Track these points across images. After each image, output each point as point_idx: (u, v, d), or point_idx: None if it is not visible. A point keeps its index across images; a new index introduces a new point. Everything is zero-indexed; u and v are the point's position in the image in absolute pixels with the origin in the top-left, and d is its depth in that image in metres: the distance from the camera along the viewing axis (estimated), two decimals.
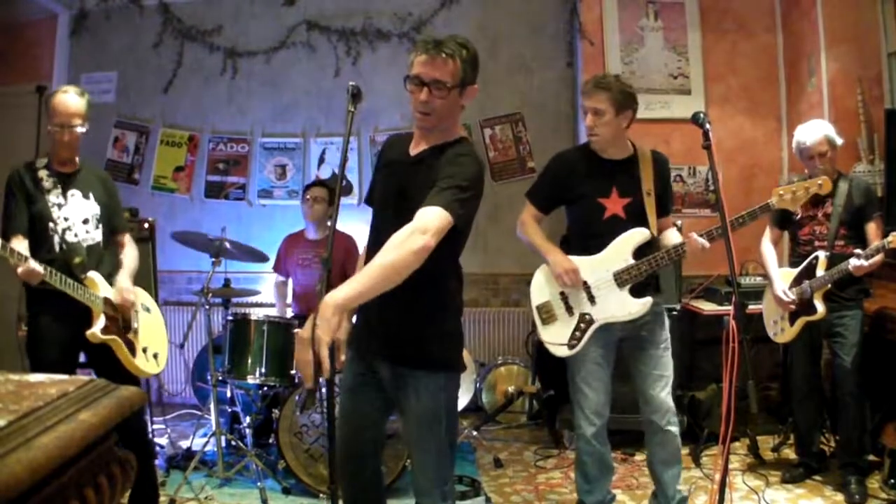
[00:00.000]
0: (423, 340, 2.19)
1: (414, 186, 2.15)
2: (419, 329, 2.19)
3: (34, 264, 2.69)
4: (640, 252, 2.90)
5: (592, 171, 2.95)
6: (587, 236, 2.98)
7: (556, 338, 2.99)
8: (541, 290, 3.04)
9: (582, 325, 2.94)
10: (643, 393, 2.98)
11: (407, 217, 2.04)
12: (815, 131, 3.48)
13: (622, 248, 2.90)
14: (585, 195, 2.96)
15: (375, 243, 2.13)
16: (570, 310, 2.97)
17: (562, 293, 2.98)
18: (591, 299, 2.94)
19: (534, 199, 3.09)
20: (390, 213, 2.20)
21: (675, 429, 2.97)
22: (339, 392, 2.37)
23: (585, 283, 2.94)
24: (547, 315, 3.02)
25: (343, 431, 2.29)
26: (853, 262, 3.23)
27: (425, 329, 2.19)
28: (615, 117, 2.85)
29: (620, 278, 2.89)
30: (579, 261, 2.94)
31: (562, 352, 2.99)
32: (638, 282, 2.90)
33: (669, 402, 2.96)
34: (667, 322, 3.03)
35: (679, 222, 3.90)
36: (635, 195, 2.91)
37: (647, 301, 2.88)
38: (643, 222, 2.90)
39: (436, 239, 1.98)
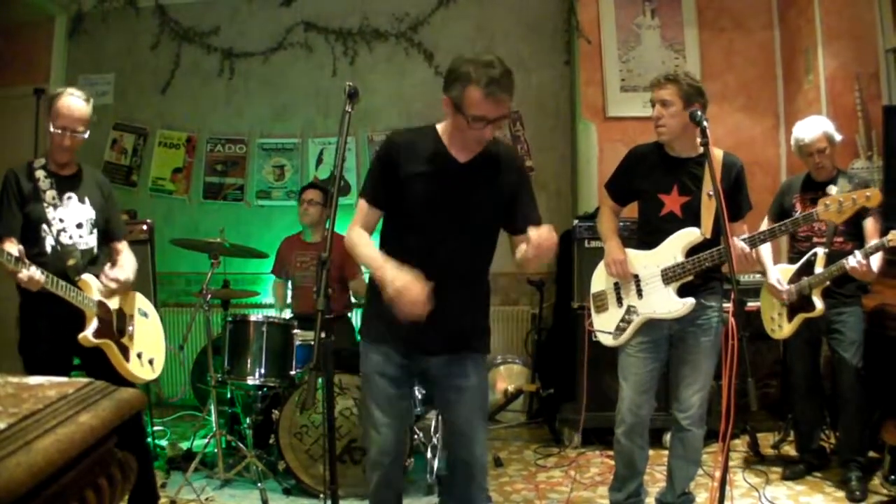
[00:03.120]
0: (482, 327, 2.49)
1: (474, 192, 2.33)
2: (481, 318, 2.49)
3: (36, 272, 2.66)
4: (694, 252, 2.87)
5: (657, 166, 2.95)
6: (646, 231, 3.01)
7: (604, 326, 3.04)
8: (599, 278, 3.11)
9: (627, 316, 2.97)
10: (675, 391, 2.97)
11: (464, 221, 2.31)
12: (813, 128, 3.47)
13: (674, 246, 2.89)
14: (647, 189, 2.98)
15: (428, 245, 2.29)
16: (619, 300, 3.02)
17: (616, 284, 3.03)
18: (639, 293, 2.96)
19: (608, 189, 3.16)
20: (447, 217, 2.31)
21: (698, 431, 2.94)
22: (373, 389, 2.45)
23: (636, 276, 2.96)
24: (600, 303, 3.08)
25: (391, 424, 2.38)
26: (850, 261, 3.21)
27: (485, 317, 2.51)
28: (682, 110, 2.81)
29: (666, 275, 2.89)
30: (635, 254, 2.98)
31: (607, 340, 3.04)
32: (684, 280, 2.87)
33: (700, 407, 2.91)
34: (719, 328, 2.91)
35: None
36: (695, 195, 2.88)
37: (688, 302, 2.85)
38: (698, 223, 2.87)
39: None
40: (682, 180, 2.89)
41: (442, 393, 2.44)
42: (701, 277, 2.88)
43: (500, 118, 2.28)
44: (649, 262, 2.94)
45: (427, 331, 2.23)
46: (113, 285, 2.99)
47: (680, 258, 2.87)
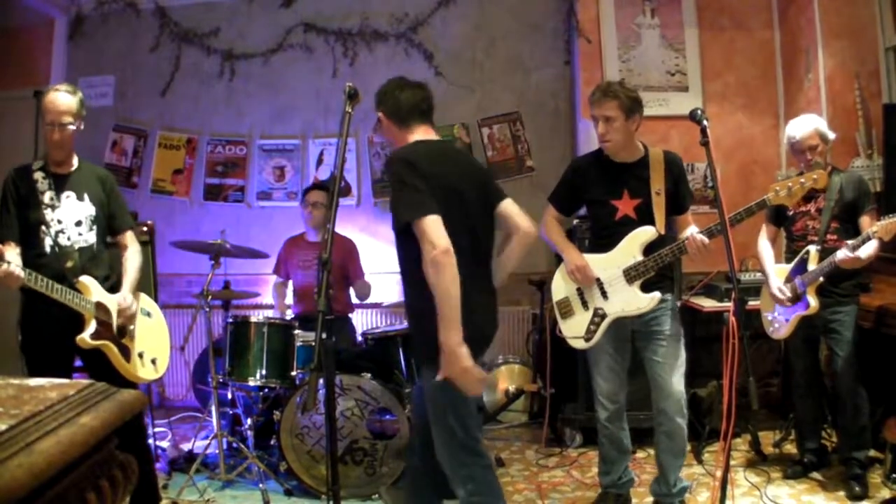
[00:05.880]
0: (423, 336, 2.37)
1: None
2: (419, 326, 2.43)
3: (13, 268, 2.64)
4: (650, 249, 3.03)
5: (605, 175, 3.11)
6: (602, 235, 3.16)
7: (574, 331, 3.17)
8: (559, 286, 3.24)
9: (596, 318, 3.11)
10: (654, 380, 3.09)
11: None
12: (805, 125, 3.46)
13: (630, 246, 3.05)
14: (598, 198, 3.13)
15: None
16: (585, 305, 3.15)
17: (578, 289, 3.16)
18: (604, 295, 3.10)
19: (553, 202, 3.29)
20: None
21: (683, 421, 3.06)
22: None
23: (598, 279, 3.10)
24: (565, 310, 3.20)
25: (418, 429, 2.64)
26: (839, 255, 3.21)
27: (423, 325, 2.34)
28: (625, 122, 3.00)
29: (629, 274, 3.04)
30: (593, 258, 3.12)
31: (579, 344, 3.16)
32: (647, 277, 3.03)
33: (681, 390, 3.05)
34: (677, 314, 3.13)
35: None
36: (645, 196, 3.04)
37: (654, 296, 3.02)
38: (653, 221, 3.03)
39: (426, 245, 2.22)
40: (630, 184, 3.07)
41: None
42: (657, 273, 3.06)
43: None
44: (608, 265, 3.09)
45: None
46: (129, 311, 3.02)
47: (639, 257, 3.03)
